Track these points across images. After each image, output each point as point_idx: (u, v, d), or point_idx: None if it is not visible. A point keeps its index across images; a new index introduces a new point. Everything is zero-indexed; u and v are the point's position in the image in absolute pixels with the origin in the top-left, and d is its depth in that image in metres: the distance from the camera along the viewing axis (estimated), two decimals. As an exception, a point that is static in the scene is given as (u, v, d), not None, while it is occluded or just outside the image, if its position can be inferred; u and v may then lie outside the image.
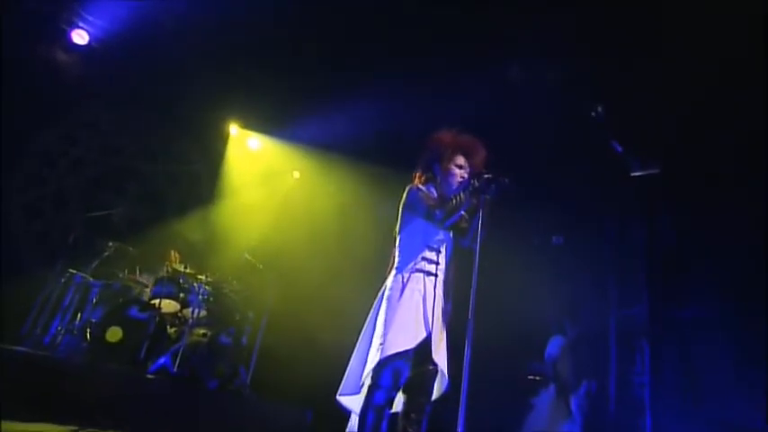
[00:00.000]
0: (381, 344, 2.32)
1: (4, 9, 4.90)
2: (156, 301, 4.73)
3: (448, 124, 2.78)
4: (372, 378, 2.33)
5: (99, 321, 4.46)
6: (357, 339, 2.52)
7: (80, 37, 5.63)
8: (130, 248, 5.22)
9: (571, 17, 4.12)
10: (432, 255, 2.54)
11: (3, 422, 2.66)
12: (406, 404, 2.39)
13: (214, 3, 4.98)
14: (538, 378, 4.91)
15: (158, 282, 4.93)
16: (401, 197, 2.68)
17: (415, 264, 2.51)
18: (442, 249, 2.59)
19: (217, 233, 6.57)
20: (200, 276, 5.03)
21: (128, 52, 5.76)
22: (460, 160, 2.69)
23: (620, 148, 4.69)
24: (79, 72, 5.77)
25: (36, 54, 5.54)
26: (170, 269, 5.16)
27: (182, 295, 4.92)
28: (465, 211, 2.56)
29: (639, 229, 5.33)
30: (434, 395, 2.43)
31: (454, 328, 2.53)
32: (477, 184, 2.47)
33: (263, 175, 7.18)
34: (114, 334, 4.33)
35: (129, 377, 3.96)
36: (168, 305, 4.85)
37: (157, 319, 4.50)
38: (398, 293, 2.44)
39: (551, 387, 4.80)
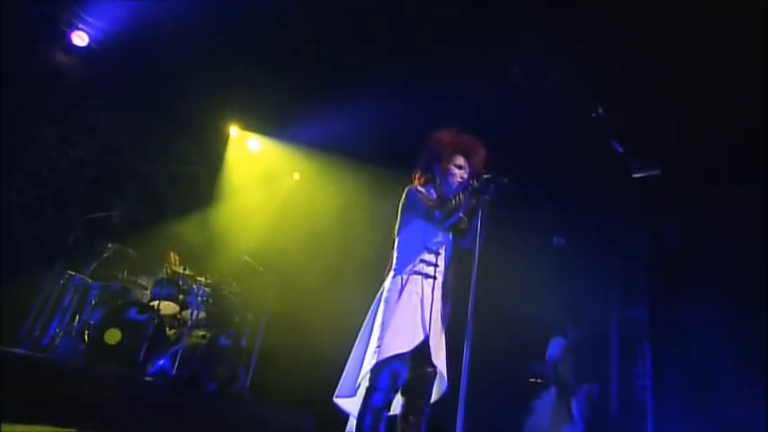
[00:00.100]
0: (378, 346, 2.31)
1: (4, 10, 4.89)
2: (155, 303, 4.72)
3: (448, 124, 2.76)
4: (370, 380, 2.32)
5: (98, 323, 4.45)
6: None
7: (80, 38, 5.63)
8: (130, 250, 5.21)
9: (571, 17, 4.11)
10: (430, 257, 2.52)
11: (1, 424, 2.65)
12: (404, 406, 2.37)
13: (214, 3, 4.98)
14: (539, 381, 4.88)
15: (157, 283, 4.91)
16: (400, 198, 2.67)
17: (413, 266, 2.49)
18: (441, 251, 2.57)
19: (216, 235, 6.55)
20: (199, 278, 5.01)
21: (127, 53, 5.75)
22: (460, 160, 2.67)
23: (620, 149, 4.69)
24: (79, 73, 5.78)
25: (36, 55, 5.54)
26: (169, 271, 5.15)
27: (181, 297, 4.90)
28: (464, 211, 2.54)
29: (640, 231, 5.33)
30: (433, 397, 2.41)
31: (454, 330, 2.51)
32: (476, 184, 2.46)
33: (263, 177, 7.17)
34: (113, 336, 4.32)
35: (128, 379, 3.95)
36: (167, 307, 4.84)
37: (156, 320, 4.48)
38: (396, 296, 2.42)
39: (552, 390, 4.78)
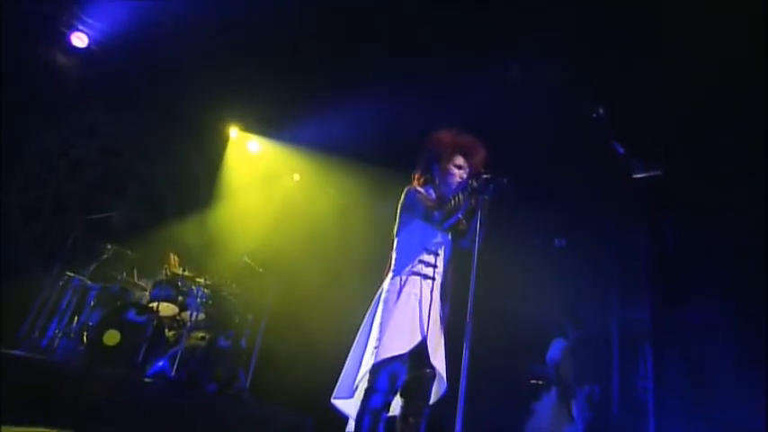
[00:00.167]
0: (376, 347, 2.29)
1: (4, 12, 4.89)
2: (155, 305, 4.71)
3: (448, 124, 2.75)
4: (369, 381, 2.30)
5: (96, 324, 4.44)
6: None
7: (80, 40, 5.63)
8: (129, 251, 5.20)
9: (571, 17, 4.11)
10: (429, 258, 2.51)
11: (1, 426, 2.64)
12: (403, 408, 2.36)
13: (214, 3, 4.98)
14: (540, 382, 4.86)
15: (157, 285, 4.91)
16: (399, 198, 2.66)
17: (412, 267, 2.48)
18: (440, 252, 2.56)
19: (216, 236, 6.54)
20: (198, 279, 5.00)
21: (127, 55, 5.76)
22: (459, 160, 2.66)
23: (621, 150, 4.68)
24: (79, 75, 5.78)
25: (36, 57, 5.54)
26: (169, 272, 5.14)
27: (180, 298, 4.90)
28: (464, 212, 2.53)
29: (641, 231, 5.31)
30: (432, 399, 2.40)
31: (453, 331, 2.50)
32: (475, 184, 2.45)
33: (263, 178, 7.16)
34: (112, 337, 4.31)
35: (127, 381, 3.94)
36: (166, 308, 4.83)
37: (155, 322, 4.47)
38: (395, 296, 2.41)
39: (553, 391, 4.76)
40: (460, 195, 2.49)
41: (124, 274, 5.04)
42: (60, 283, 4.81)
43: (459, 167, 2.66)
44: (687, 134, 4.62)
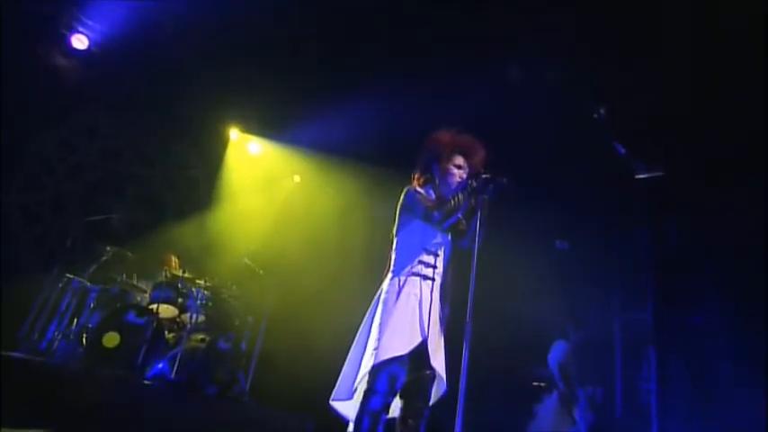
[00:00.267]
0: (376, 348, 2.28)
1: (4, 13, 4.90)
2: (154, 306, 4.69)
3: (448, 124, 2.74)
4: (368, 383, 2.29)
5: (96, 326, 4.42)
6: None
7: (80, 42, 5.63)
8: (129, 253, 5.19)
9: (571, 17, 4.11)
10: (429, 258, 2.50)
11: (1, 428, 2.63)
12: (403, 409, 2.34)
13: (214, 4, 4.98)
14: (542, 384, 4.84)
15: (157, 287, 4.89)
16: (399, 199, 2.65)
17: (411, 267, 2.47)
18: (440, 253, 2.54)
19: (216, 238, 6.53)
20: (198, 281, 4.99)
21: (127, 56, 5.76)
22: (459, 160, 2.65)
23: (622, 151, 4.67)
24: (79, 76, 5.78)
25: (36, 58, 5.54)
26: (169, 274, 5.13)
27: (180, 300, 4.88)
28: (463, 212, 2.51)
29: (643, 232, 5.29)
30: (432, 400, 2.38)
31: (453, 332, 2.49)
32: (474, 184, 2.44)
33: (264, 180, 7.16)
34: (111, 339, 4.29)
35: (126, 383, 3.92)
36: (166, 310, 4.81)
37: (155, 324, 4.45)
38: (394, 297, 2.39)
39: (555, 393, 4.74)
40: (460, 195, 2.48)
41: (124, 275, 5.02)
42: (60, 285, 4.79)
43: (459, 167, 2.65)
44: (687, 134, 4.61)
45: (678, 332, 4.76)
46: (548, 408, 4.72)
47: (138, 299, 4.95)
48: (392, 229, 2.65)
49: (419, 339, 2.32)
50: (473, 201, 2.44)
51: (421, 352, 2.31)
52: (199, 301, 4.82)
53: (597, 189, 5.19)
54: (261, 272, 5.49)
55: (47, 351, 4.47)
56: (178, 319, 4.93)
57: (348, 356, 2.44)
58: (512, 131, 4.34)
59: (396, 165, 3.27)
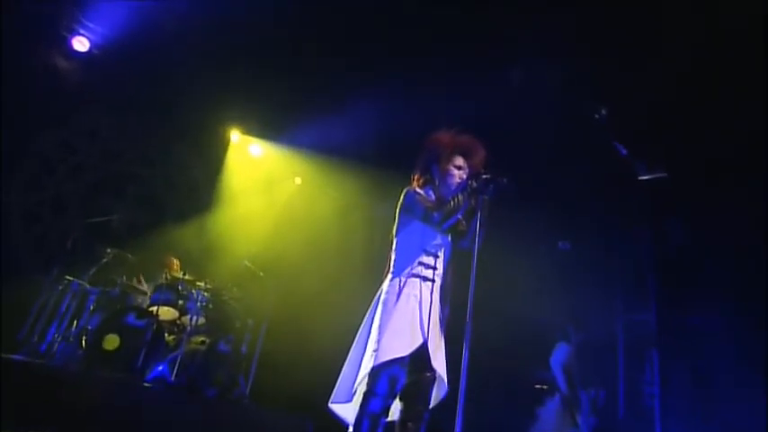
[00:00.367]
0: (375, 350, 2.25)
1: (5, 16, 4.90)
2: (154, 309, 4.68)
3: (448, 124, 2.73)
4: (368, 385, 2.27)
5: (96, 328, 4.42)
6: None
7: (81, 44, 5.64)
8: (129, 255, 5.18)
9: (571, 17, 4.10)
10: (429, 259, 2.48)
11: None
12: (403, 412, 2.32)
13: (215, 5, 4.98)
14: (545, 387, 4.81)
15: (157, 289, 4.89)
16: (398, 200, 2.64)
17: (411, 268, 2.45)
18: (440, 254, 2.53)
19: (217, 240, 6.53)
20: (199, 283, 4.97)
21: (128, 58, 5.76)
22: (459, 161, 2.64)
23: (624, 151, 4.66)
24: (80, 78, 5.79)
25: (37, 60, 5.55)
26: (169, 276, 5.12)
27: (180, 302, 4.87)
28: (463, 212, 2.50)
29: (645, 232, 5.27)
30: (432, 402, 2.36)
31: (454, 334, 2.48)
32: (474, 184, 2.43)
33: (265, 182, 7.15)
34: (111, 341, 4.28)
35: (126, 385, 3.91)
36: (166, 312, 4.81)
37: (155, 326, 4.44)
38: (394, 298, 2.38)
39: (556, 395, 4.72)
40: (460, 196, 2.46)
41: (124, 277, 5.02)
42: (60, 287, 4.79)
43: (459, 168, 2.63)
44: (687, 134, 4.60)
45: (681, 333, 4.74)
46: (549, 410, 4.69)
47: (139, 301, 4.94)
48: (392, 230, 2.64)
49: (419, 341, 2.30)
50: (473, 201, 2.42)
51: (421, 354, 2.29)
52: (199, 304, 4.81)
53: (598, 189, 5.18)
54: (261, 274, 5.48)
55: (46, 353, 4.46)
56: (178, 322, 4.92)
57: (347, 358, 2.42)
58: (512, 131, 4.34)
59: (396, 165, 3.27)
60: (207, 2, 4.97)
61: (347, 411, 2.35)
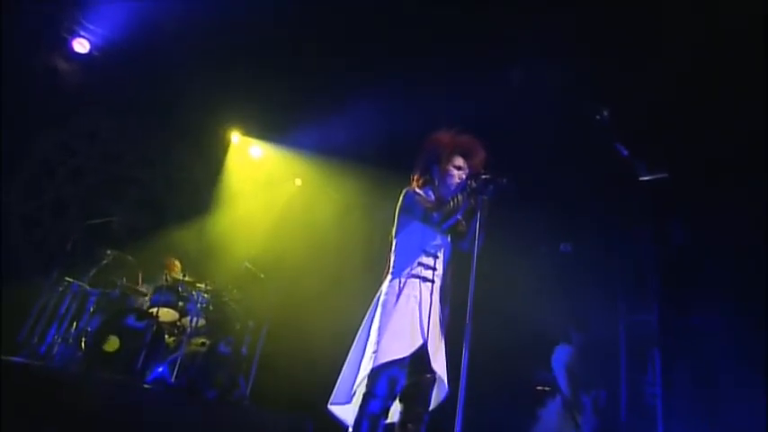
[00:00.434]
0: (375, 351, 2.25)
1: (5, 18, 4.91)
2: (154, 310, 4.68)
3: (448, 124, 2.73)
4: (367, 386, 2.26)
5: (96, 330, 4.41)
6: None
7: (81, 45, 5.64)
8: (129, 257, 5.18)
9: (571, 17, 4.10)
10: (428, 260, 2.47)
11: (-1, 433, 2.61)
12: (402, 414, 2.30)
13: (215, 7, 4.98)
14: (547, 388, 4.80)
15: (157, 290, 4.88)
16: (398, 200, 2.63)
17: (411, 269, 2.44)
18: (440, 255, 2.52)
19: (217, 241, 6.52)
20: (199, 285, 4.97)
21: (128, 59, 5.77)
22: (459, 161, 2.63)
23: (625, 152, 4.66)
24: (80, 80, 5.79)
25: (37, 62, 5.55)
26: (169, 278, 5.11)
27: (180, 304, 4.86)
28: (463, 213, 2.49)
29: (646, 233, 5.25)
30: (432, 404, 2.35)
31: (454, 335, 2.46)
32: (474, 185, 2.42)
33: (265, 183, 7.15)
34: (111, 343, 4.27)
35: (126, 387, 3.90)
36: (166, 314, 4.80)
37: (155, 327, 4.43)
38: (394, 299, 2.37)
39: (558, 397, 4.70)
40: (459, 196, 2.46)
41: (124, 279, 5.01)
42: (59, 289, 4.78)
43: (459, 168, 2.63)
44: (687, 134, 4.60)
45: (684, 334, 4.71)
46: (551, 412, 4.68)
47: (139, 302, 4.94)
48: (391, 231, 2.64)
49: (419, 342, 2.29)
50: (473, 202, 2.42)
51: (421, 355, 2.28)
52: (199, 305, 4.80)
53: (598, 189, 5.17)
54: (262, 275, 5.47)
55: (46, 355, 4.45)
56: (178, 323, 4.91)
57: (347, 359, 2.41)
58: (512, 131, 4.33)
59: (396, 166, 3.26)
60: (207, 3, 4.97)
61: (346, 413, 2.33)
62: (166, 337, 4.58)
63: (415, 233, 2.52)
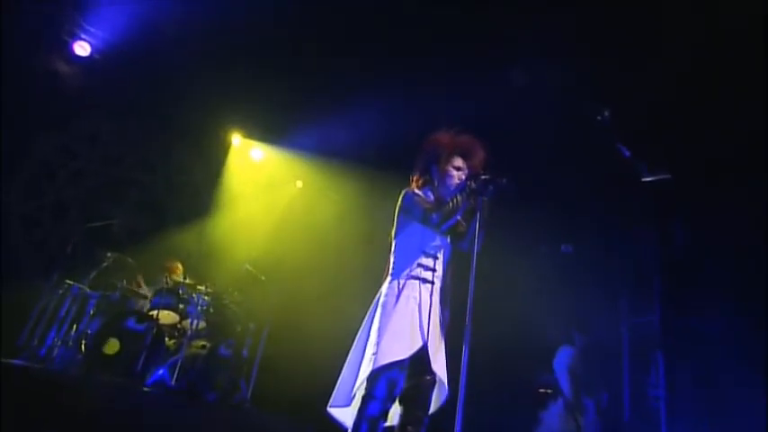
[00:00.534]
0: (375, 353, 2.23)
1: (6, 21, 4.92)
2: (155, 313, 4.67)
3: (448, 125, 2.72)
4: (366, 388, 2.24)
5: (96, 332, 4.40)
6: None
7: (82, 48, 5.65)
8: (129, 259, 5.17)
9: (571, 17, 4.10)
10: (428, 261, 2.46)
11: (-1, 435, 2.60)
12: (402, 416, 2.28)
13: (215, 9, 4.99)
14: (549, 391, 4.77)
15: (158, 293, 4.87)
16: (397, 201, 2.62)
17: (410, 270, 2.43)
18: (439, 256, 2.50)
19: (218, 244, 6.52)
20: (199, 287, 4.96)
21: (129, 62, 5.78)
22: (458, 162, 2.62)
23: (627, 153, 4.64)
24: (81, 83, 5.80)
25: (38, 65, 5.57)
26: (170, 280, 5.11)
27: (181, 306, 4.86)
28: (463, 213, 2.48)
29: (648, 234, 5.23)
30: (433, 407, 2.33)
31: (454, 336, 2.45)
32: (473, 185, 2.41)
33: (266, 185, 7.15)
34: (111, 345, 4.26)
35: (126, 389, 3.89)
36: (167, 316, 4.79)
37: (155, 330, 4.43)
38: (393, 300, 2.35)
39: (560, 399, 4.67)
40: (459, 197, 2.45)
41: (124, 281, 5.01)
42: (60, 291, 4.78)
43: (458, 169, 2.61)
44: (687, 134, 4.59)
45: (686, 335, 4.69)
46: (553, 414, 4.66)
47: (139, 305, 4.93)
48: (391, 232, 2.63)
49: (419, 344, 2.27)
50: (472, 202, 2.40)
51: (421, 357, 2.26)
52: (200, 308, 4.80)
53: (598, 190, 5.15)
54: (262, 278, 5.47)
55: (46, 358, 4.45)
56: (179, 326, 4.90)
57: (346, 361, 2.40)
58: (512, 131, 4.32)
59: (396, 166, 3.25)
60: (207, 4, 4.98)
61: (345, 416, 2.32)
62: (167, 339, 4.58)
63: (415, 234, 2.50)
